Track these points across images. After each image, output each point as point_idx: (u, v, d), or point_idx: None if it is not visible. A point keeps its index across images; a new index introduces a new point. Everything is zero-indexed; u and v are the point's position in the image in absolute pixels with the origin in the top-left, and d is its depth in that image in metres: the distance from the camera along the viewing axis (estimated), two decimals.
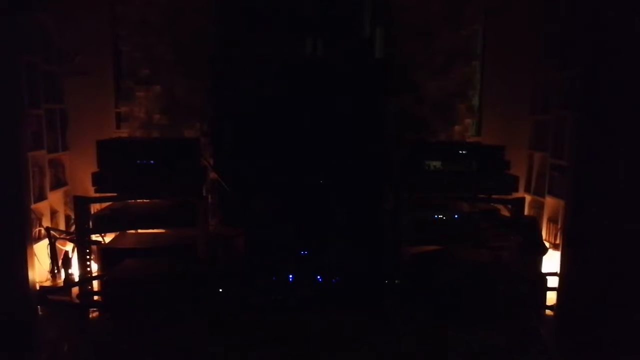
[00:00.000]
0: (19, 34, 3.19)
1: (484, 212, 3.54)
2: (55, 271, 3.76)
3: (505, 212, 3.57)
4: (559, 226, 3.76)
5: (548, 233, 3.95)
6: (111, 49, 4.06)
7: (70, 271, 3.66)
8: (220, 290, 3.39)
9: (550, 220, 3.95)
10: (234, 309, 3.31)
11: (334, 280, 3.46)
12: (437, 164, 3.47)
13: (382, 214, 3.60)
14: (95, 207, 3.57)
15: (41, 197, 3.75)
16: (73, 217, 3.61)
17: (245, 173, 3.56)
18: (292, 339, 3.03)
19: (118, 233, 3.77)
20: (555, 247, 3.78)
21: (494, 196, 3.48)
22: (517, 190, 3.52)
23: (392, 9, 3.99)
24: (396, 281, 3.43)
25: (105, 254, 3.47)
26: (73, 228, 3.71)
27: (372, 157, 3.55)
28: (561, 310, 3.08)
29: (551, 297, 3.30)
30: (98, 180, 3.36)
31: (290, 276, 3.46)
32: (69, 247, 3.78)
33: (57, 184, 4.02)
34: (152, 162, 3.44)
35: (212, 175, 3.71)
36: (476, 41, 4.17)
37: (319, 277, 3.46)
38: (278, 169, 3.53)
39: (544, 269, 3.56)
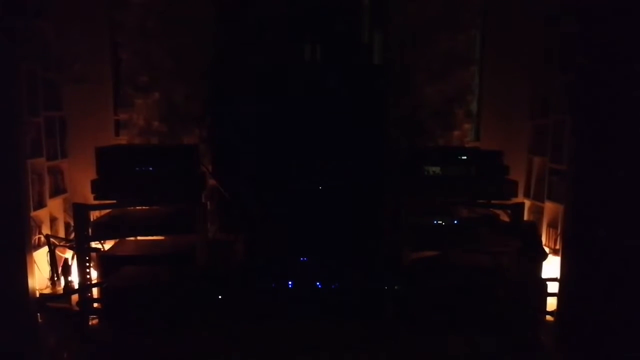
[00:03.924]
0: (18, 41, 3.19)
1: (483, 217, 3.54)
2: (55, 278, 3.76)
3: (504, 217, 3.57)
4: (559, 231, 3.75)
5: (548, 238, 3.94)
6: (110, 56, 4.07)
7: (69, 278, 3.67)
8: (220, 297, 3.38)
9: (549, 225, 3.94)
10: (234, 316, 3.30)
11: (333, 286, 3.45)
12: (436, 169, 3.47)
13: (382, 219, 3.59)
14: (94, 214, 3.56)
15: (40, 204, 3.75)
16: (72, 224, 3.61)
17: (244, 179, 3.56)
18: (292, 345, 3.02)
19: (117, 240, 3.77)
20: (555, 252, 3.77)
21: (493, 201, 3.48)
22: (516, 195, 3.52)
23: (391, 14, 4.00)
24: (396, 287, 3.42)
25: (105, 261, 3.46)
26: (72, 235, 3.71)
27: (371, 162, 3.55)
28: (561, 316, 3.07)
29: (551, 303, 3.29)
30: (97, 187, 3.36)
31: (290, 282, 3.46)
32: (69, 254, 3.77)
33: (57, 191, 4.02)
34: (151, 168, 3.45)
35: (211, 181, 3.72)
36: (474, 46, 4.18)
37: (318, 283, 3.45)
38: (277, 175, 3.53)
39: (544, 275, 3.55)
